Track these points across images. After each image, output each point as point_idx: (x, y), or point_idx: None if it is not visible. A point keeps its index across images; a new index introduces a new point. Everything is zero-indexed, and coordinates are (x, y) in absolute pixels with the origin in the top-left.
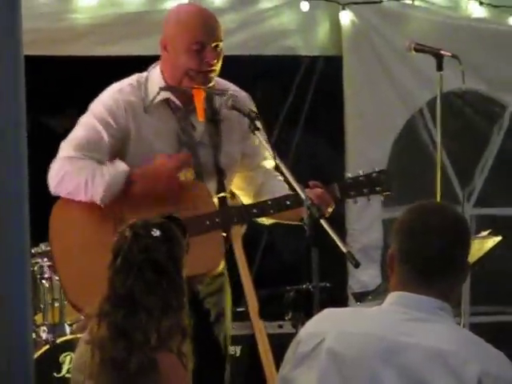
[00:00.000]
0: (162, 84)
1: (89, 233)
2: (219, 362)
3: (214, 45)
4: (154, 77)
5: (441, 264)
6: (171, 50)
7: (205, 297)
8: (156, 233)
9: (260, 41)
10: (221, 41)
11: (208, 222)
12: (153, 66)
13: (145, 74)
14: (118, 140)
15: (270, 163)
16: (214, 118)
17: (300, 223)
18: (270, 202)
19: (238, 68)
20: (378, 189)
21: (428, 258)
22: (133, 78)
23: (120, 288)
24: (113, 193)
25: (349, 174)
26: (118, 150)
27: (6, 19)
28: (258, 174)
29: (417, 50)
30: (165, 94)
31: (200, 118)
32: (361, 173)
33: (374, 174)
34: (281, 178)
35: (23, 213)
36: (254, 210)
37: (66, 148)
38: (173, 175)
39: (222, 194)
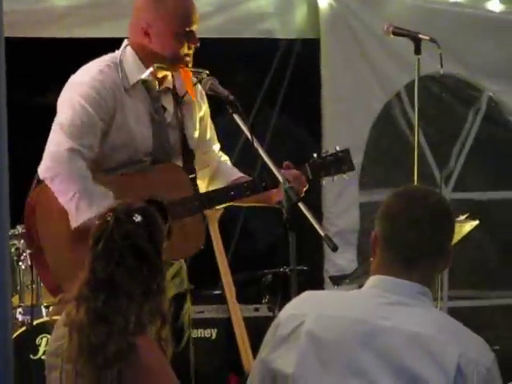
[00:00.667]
0: (140, 65)
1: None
2: (185, 344)
3: (195, 28)
4: (129, 58)
5: (423, 249)
6: (155, 35)
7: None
8: (137, 218)
9: (237, 24)
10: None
11: (189, 205)
12: (122, 47)
13: (116, 55)
14: (106, 123)
15: (217, 147)
16: (178, 101)
17: (267, 205)
18: (245, 184)
19: (215, 51)
20: (344, 167)
21: (411, 243)
22: (106, 59)
23: (100, 273)
24: (90, 226)
25: (315, 154)
26: (103, 133)
27: None
28: (211, 158)
29: (395, 34)
30: (146, 76)
31: (193, 96)
32: (325, 152)
33: (340, 154)
34: (229, 161)
35: (3, 192)
36: (232, 193)
37: (62, 135)
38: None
39: (192, 175)
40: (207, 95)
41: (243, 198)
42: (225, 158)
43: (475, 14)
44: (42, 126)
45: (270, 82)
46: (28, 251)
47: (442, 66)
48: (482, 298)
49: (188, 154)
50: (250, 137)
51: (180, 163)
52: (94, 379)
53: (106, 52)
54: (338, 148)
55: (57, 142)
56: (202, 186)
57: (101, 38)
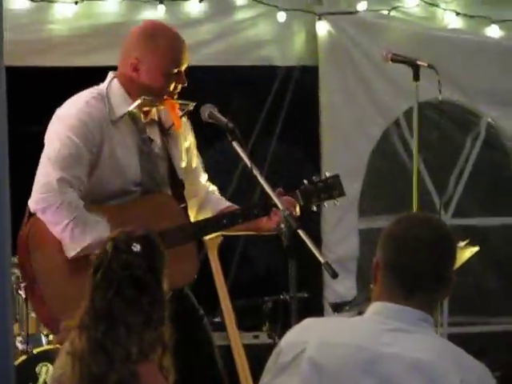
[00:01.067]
0: (126, 98)
1: (63, 254)
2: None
3: (184, 68)
4: (115, 91)
5: (426, 277)
6: (144, 71)
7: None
8: (137, 247)
9: (236, 51)
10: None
11: (181, 234)
12: (108, 79)
13: (102, 87)
14: (94, 154)
15: (205, 177)
16: (164, 133)
17: (257, 233)
18: (237, 212)
19: (214, 78)
20: (334, 193)
21: (413, 271)
22: (92, 92)
23: (99, 303)
24: (84, 253)
25: (305, 181)
26: (91, 165)
27: None
28: (198, 188)
29: (393, 60)
30: (133, 108)
31: (178, 127)
32: (315, 179)
33: (330, 179)
34: (217, 191)
35: (4, 222)
36: (224, 221)
37: (50, 167)
38: None
39: (182, 205)
40: (206, 123)
41: (235, 225)
42: (213, 187)
43: (474, 41)
44: (39, 154)
45: (269, 109)
46: (22, 284)
47: (440, 92)
48: (482, 324)
49: (177, 184)
50: (249, 164)
51: (169, 193)
52: None
53: (94, 81)
54: (327, 174)
55: (46, 173)
56: (191, 216)
57: (100, 66)
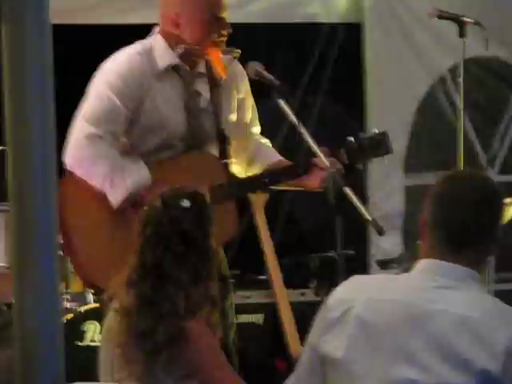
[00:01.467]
0: (170, 52)
1: (102, 215)
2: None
3: (225, 16)
4: (159, 46)
5: (471, 234)
6: (185, 24)
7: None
8: (186, 203)
9: (280, 9)
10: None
11: (222, 192)
12: (152, 34)
13: (146, 42)
14: (131, 111)
15: (258, 129)
16: (215, 85)
17: (303, 189)
18: (279, 171)
19: (258, 36)
20: (381, 151)
21: (458, 227)
22: (136, 47)
23: (148, 258)
24: (130, 200)
25: (351, 138)
26: (130, 120)
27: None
28: (250, 142)
29: (440, 17)
30: (176, 61)
31: (223, 74)
32: (361, 135)
33: (376, 137)
34: (269, 144)
35: (51, 186)
36: (266, 180)
37: (86, 123)
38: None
39: (225, 161)
40: (252, 80)
41: (277, 184)
42: (265, 140)
43: None
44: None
45: (314, 67)
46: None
47: (487, 49)
48: None
49: (223, 140)
50: (295, 122)
51: (214, 149)
52: (142, 365)
53: (141, 38)
54: (375, 130)
55: (79, 128)
56: (241, 170)
57: (136, 24)
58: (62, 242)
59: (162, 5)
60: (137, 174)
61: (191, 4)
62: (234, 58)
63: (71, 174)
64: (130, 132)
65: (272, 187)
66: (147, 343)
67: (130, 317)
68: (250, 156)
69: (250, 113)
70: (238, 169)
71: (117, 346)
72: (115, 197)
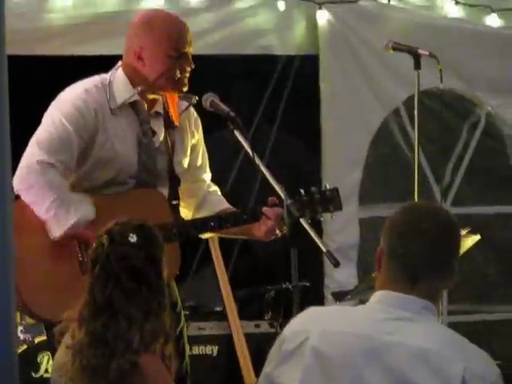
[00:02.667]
0: (129, 87)
1: (43, 241)
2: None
3: (189, 51)
4: (119, 80)
5: (429, 267)
6: (148, 58)
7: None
8: (133, 238)
9: (236, 40)
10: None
11: (168, 232)
12: (114, 68)
13: (106, 76)
14: (85, 141)
15: (208, 177)
16: (170, 126)
17: (249, 238)
18: (225, 216)
19: (214, 68)
20: (331, 207)
21: (417, 260)
22: (96, 79)
23: (99, 296)
24: (71, 235)
25: (301, 190)
26: (83, 151)
27: None
28: (200, 187)
29: (395, 49)
30: (134, 97)
31: (176, 121)
32: (313, 189)
33: (328, 192)
34: (218, 192)
35: (6, 208)
36: (211, 223)
37: (38, 149)
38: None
39: (175, 202)
40: (208, 112)
41: (223, 229)
42: (214, 188)
43: (473, 29)
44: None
45: (270, 98)
46: None
47: (441, 81)
48: (482, 312)
49: (174, 182)
50: (250, 152)
51: (166, 189)
52: None
53: (104, 69)
54: (327, 186)
55: (31, 154)
56: (188, 215)
57: (99, 55)
58: None
59: (128, 38)
60: (80, 212)
61: (155, 38)
62: (191, 104)
63: (17, 198)
64: (81, 164)
65: (219, 235)
66: (99, 380)
67: (81, 353)
68: (199, 201)
69: (202, 159)
70: (186, 213)
71: (69, 381)
72: (55, 230)
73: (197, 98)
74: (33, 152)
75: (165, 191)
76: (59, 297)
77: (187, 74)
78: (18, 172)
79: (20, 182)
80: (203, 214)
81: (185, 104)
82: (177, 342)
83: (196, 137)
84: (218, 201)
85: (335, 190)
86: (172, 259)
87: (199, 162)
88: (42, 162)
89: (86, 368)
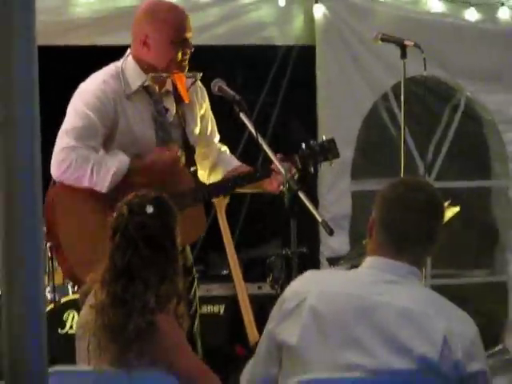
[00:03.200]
0: (140, 73)
1: (88, 216)
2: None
3: (189, 36)
4: (130, 67)
5: (415, 235)
6: (153, 45)
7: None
8: (150, 209)
9: (240, 32)
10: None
11: (190, 198)
12: (125, 56)
13: (119, 64)
14: (108, 128)
15: (218, 139)
16: (180, 101)
17: (262, 191)
18: (241, 176)
19: (220, 57)
20: (329, 155)
21: (404, 229)
22: (111, 69)
23: (119, 262)
24: (116, 182)
25: (303, 144)
26: (107, 137)
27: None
28: (211, 150)
29: (383, 40)
30: (146, 82)
31: (186, 99)
32: (312, 143)
33: (325, 143)
34: (228, 151)
35: (36, 173)
36: (229, 184)
37: (66, 138)
38: (177, 161)
39: (193, 168)
40: (216, 95)
41: (240, 187)
42: (224, 148)
43: (454, 23)
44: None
45: (271, 84)
46: (48, 244)
47: (425, 69)
48: (461, 276)
49: (189, 150)
50: (254, 133)
51: (182, 158)
52: (116, 356)
53: (115, 59)
54: (324, 138)
55: (62, 142)
56: (204, 175)
57: (120, 45)
58: (50, 242)
59: (134, 26)
60: (118, 161)
61: (159, 26)
62: (196, 80)
63: (59, 183)
64: (106, 149)
65: (235, 191)
66: (119, 337)
67: (103, 313)
68: (213, 163)
69: (211, 125)
70: (202, 174)
71: (93, 335)
72: (102, 184)
73: (201, 74)
74: (62, 141)
75: (182, 159)
76: (98, 262)
77: (187, 57)
78: (53, 160)
79: (57, 167)
80: (218, 173)
81: (191, 80)
82: (190, 303)
83: (204, 106)
84: (229, 160)
85: (332, 141)
86: (198, 223)
87: (209, 128)
88: (72, 146)
89: (108, 326)
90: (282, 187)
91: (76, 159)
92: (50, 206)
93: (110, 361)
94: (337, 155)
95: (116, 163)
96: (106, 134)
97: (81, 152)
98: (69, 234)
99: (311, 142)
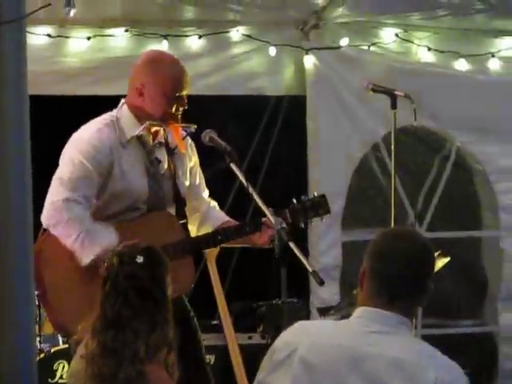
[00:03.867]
0: (135, 122)
1: (75, 267)
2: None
3: (185, 93)
4: (125, 116)
5: (406, 286)
6: (147, 95)
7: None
8: (140, 259)
9: (231, 82)
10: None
11: (181, 249)
12: (119, 106)
13: (113, 113)
14: (104, 177)
15: (207, 193)
16: (171, 153)
17: (251, 246)
18: (232, 229)
19: (212, 107)
20: (320, 211)
21: (395, 279)
22: (105, 118)
23: (109, 311)
24: (97, 262)
25: (294, 200)
26: (101, 185)
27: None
28: (201, 204)
29: (373, 91)
30: (140, 132)
31: (182, 149)
32: (303, 198)
33: (316, 199)
34: (217, 207)
35: (27, 224)
36: (219, 237)
37: (61, 188)
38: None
39: (183, 221)
40: (208, 146)
41: (230, 241)
42: (213, 203)
43: (444, 73)
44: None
45: (261, 134)
46: (36, 292)
47: (415, 119)
48: (452, 326)
49: (180, 202)
50: (245, 183)
51: (173, 209)
52: None
53: (113, 107)
54: (315, 193)
55: (56, 192)
56: (193, 230)
57: (110, 95)
58: (37, 291)
59: (132, 75)
60: (106, 239)
61: (156, 79)
62: (191, 132)
63: (48, 232)
64: (99, 196)
65: (224, 245)
66: None
67: (93, 362)
68: (202, 217)
69: (199, 178)
70: (191, 228)
71: None
72: (83, 258)
73: (195, 127)
74: (57, 190)
75: (172, 212)
76: (87, 314)
77: (180, 112)
78: (45, 209)
79: (48, 218)
80: (207, 226)
81: (184, 133)
82: (198, 351)
83: (193, 159)
84: (218, 214)
85: (323, 196)
86: (188, 274)
87: (197, 181)
88: (66, 200)
89: (98, 375)
90: (273, 240)
91: (68, 218)
92: (37, 255)
93: None
94: (328, 211)
95: (104, 242)
96: (100, 182)
97: (74, 211)
98: (55, 284)
99: (302, 197)
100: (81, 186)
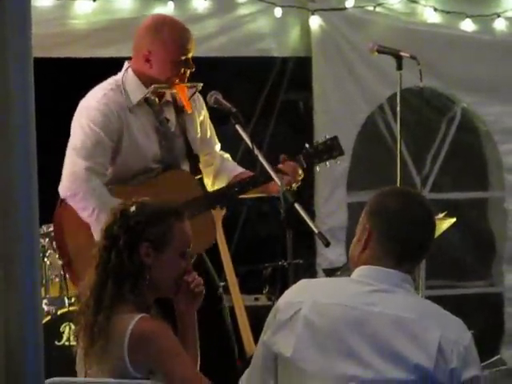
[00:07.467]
0: (141, 86)
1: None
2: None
3: (191, 55)
4: (131, 80)
5: (415, 248)
6: (155, 62)
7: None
8: (132, 208)
9: (237, 44)
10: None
11: (199, 205)
12: (124, 69)
13: (118, 77)
14: (115, 142)
15: (218, 146)
16: (180, 111)
17: (267, 195)
18: (247, 180)
19: (217, 68)
20: (334, 153)
21: (405, 243)
22: (110, 83)
23: (103, 261)
24: None
25: (306, 144)
26: (114, 151)
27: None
28: (213, 157)
29: (379, 52)
30: (147, 95)
31: (189, 110)
32: (316, 142)
33: (329, 141)
34: (230, 158)
35: (32, 193)
36: (236, 189)
37: (77, 157)
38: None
39: (197, 176)
40: (212, 107)
41: (246, 192)
42: (226, 155)
43: (450, 34)
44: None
45: (267, 95)
46: (60, 262)
47: (421, 80)
48: (456, 287)
49: (193, 158)
50: (250, 145)
51: (187, 167)
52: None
53: (119, 70)
54: (326, 136)
55: (72, 163)
56: (208, 183)
57: (116, 57)
58: (61, 261)
59: (136, 40)
60: None
61: (162, 45)
62: (198, 90)
63: (66, 202)
64: (113, 161)
65: (242, 196)
66: (94, 339)
67: (85, 316)
68: (216, 170)
69: (210, 131)
70: (206, 181)
71: (80, 347)
72: (98, 232)
73: (201, 85)
74: (73, 161)
75: (186, 168)
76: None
77: (187, 74)
78: (62, 180)
79: (65, 189)
80: (222, 179)
81: (192, 91)
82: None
83: (202, 113)
84: (232, 166)
85: (335, 139)
86: (209, 230)
87: (208, 135)
88: (83, 169)
89: (88, 330)
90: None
91: (85, 191)
92: (58, 226)
93: (108, 371)
94: (341, 152)
95: None
96: (112, 147)
97: (91, 183)
98: (79, 253)
99: (315, 141)
100: (95, 153)
